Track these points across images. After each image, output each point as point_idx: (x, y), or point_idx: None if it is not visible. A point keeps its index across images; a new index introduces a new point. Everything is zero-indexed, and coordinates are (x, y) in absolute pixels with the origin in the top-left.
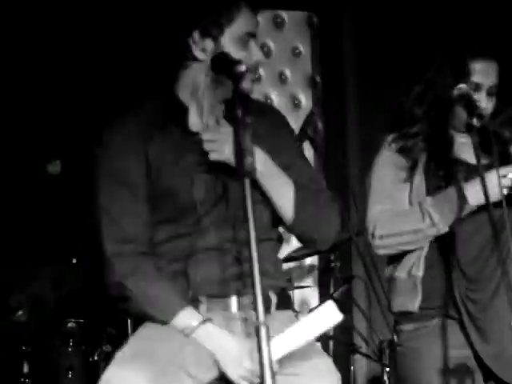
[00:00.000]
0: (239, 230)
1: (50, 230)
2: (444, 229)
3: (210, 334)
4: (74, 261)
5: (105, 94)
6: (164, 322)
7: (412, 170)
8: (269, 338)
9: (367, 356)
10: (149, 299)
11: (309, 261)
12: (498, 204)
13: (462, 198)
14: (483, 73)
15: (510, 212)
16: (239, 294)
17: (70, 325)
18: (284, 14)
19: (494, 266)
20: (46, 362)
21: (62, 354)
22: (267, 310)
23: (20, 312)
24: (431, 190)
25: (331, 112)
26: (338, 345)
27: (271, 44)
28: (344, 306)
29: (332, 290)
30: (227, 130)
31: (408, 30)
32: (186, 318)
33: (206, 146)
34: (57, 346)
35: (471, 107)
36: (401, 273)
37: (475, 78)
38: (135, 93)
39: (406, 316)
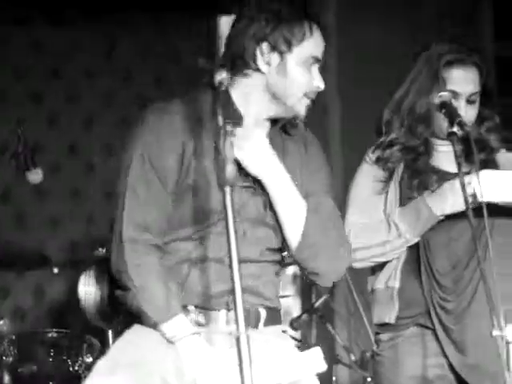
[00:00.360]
0: (245, 247)
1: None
2: (412, 239)
3: (193, 347)
4: (56, 270)
5: None
6: (154, 324)
7: (388, 180)
8: (250, 347)
9: (349, 366)
10: (148, 295)
11: (291, 270)
12: (476, 212)
13: (428, 208)
14: (461, 81)
15: (489, 220)
16: (228, 309)
17: (50, 335)
18: None
19: (470, 276)
20: (26, 372)
21: (43, 364)
22: (256, 325)
23: (1, 322)
24: (404, 201)
25: (315, 120)
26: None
27: None
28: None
29: (313, 300)
30: (259, 133)
31: (398, 32)
32: (177, 325)
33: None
34: (38, 356)
35: (452, 115)
36: (379, 284)
37: (452, 86)
38: None
39: (384, 326)
